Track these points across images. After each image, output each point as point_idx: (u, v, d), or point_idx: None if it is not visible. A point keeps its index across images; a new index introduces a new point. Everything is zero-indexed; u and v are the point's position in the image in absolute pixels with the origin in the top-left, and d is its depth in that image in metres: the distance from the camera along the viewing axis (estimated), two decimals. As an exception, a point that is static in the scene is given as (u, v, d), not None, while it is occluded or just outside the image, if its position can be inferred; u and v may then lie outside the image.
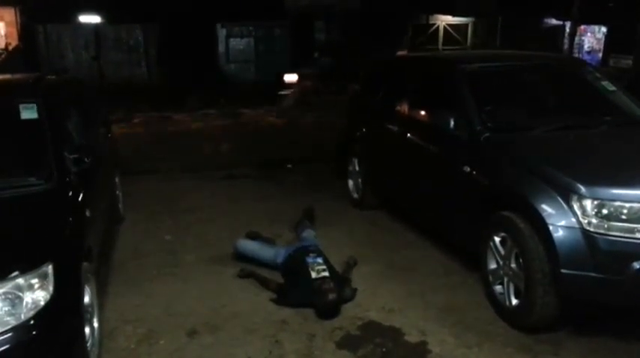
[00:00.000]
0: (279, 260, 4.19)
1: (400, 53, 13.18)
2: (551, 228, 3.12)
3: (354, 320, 3.58)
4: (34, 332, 2.48)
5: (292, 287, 3.90)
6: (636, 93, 4.64)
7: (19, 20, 16.02)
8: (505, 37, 17.76)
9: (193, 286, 4.11)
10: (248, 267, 4.28)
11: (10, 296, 2.48)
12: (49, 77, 4.41)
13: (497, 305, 3.61)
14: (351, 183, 6.00)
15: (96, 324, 3.12)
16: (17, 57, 15.22)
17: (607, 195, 3.05)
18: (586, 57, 19.12)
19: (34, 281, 2.53)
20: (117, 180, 5.48)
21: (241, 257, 4.45)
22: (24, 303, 2.49)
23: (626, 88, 4.83)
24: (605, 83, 4.66)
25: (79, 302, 2.78)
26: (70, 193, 3.27)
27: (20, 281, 2.51)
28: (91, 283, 3.06)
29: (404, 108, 4.98)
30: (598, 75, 4.84)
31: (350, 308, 3.72)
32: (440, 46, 18.74)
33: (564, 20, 16.32)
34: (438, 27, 18.89)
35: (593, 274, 3.02)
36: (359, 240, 4.96)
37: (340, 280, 3.90)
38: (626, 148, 3.79)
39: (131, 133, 9.74)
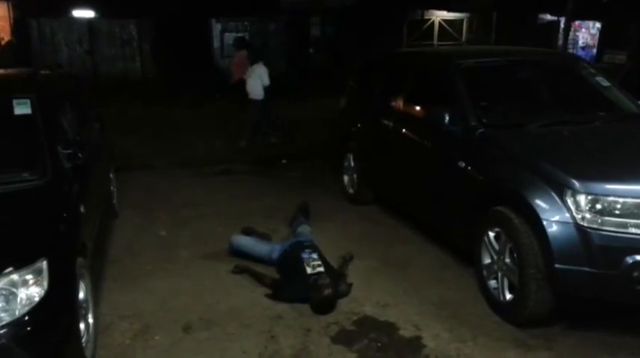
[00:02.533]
0: (275, 255, 4.20)
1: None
2: (545, 223, 3.13)
3: (349, 315, 3.59)
4: (28, 328, 2.47)
5: (287, 282, 3.91)
6: (630, 89, 4.66)
7: (11, 14, 15.88)
8: (500, 32, 17.76)
9: (189, 282, 4.11)
10: (243, 262, 4.29)
11: (4, 293, 2.47)
12: (42, 72, 4.38)
13: (492, 299, 3.63)
14: (346, 178, 6.01)
15: (91, 320, 3.11)
16: (10, 52, 15.11)
17: (601, 190, 3.07)
18: (580, 52, 19.16)
19: (29, 277, 2.53)
20: (112, 175, 5.46)
21: (237, 253, 4.45)
22: (18, 299, 2.48)
23: (620, 83, 4.85)
24: (599, 79, 4.68)
25: (73, 298, 2.78)
26: (64, 189, 3.26)
27: (14, 277, 2.50)
28: (85, 279, 3.05)
29: (399, 103, 4.99)
30: (592, 70, 4.86)
31: (345, 303, 3.74)
32: (435, 42, 18.72)
33: (559, 16, 16.34)
34: (433, 22, 18.87)
35: (586, 269, 3.04)
36: (354, 235, 4.97)
37: (336, 275, 3.91)
38: (620, 144, 3.81)
39: (125, 128, 9.69)
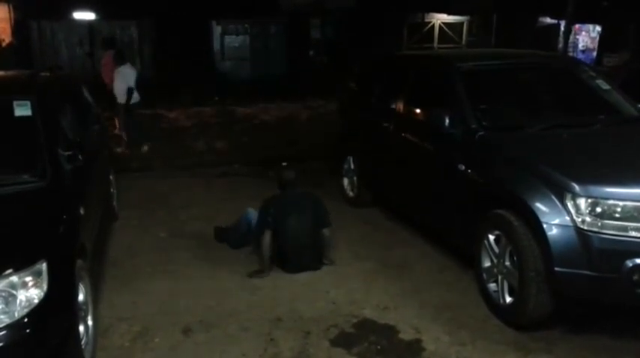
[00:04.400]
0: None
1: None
2: (545, 226, 3.13)
3: (348, 318, 3.59)
4: (27, 331, 2.47)
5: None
6: (630, 92, 4.66)
7: (12, 16, 15.90)
8: (500, 35, 17.78)
9: (188, 284, 4.11)
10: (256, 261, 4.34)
11: (3, 294, 2.47)
12: (43, 74, 4.39)
13: (492, 302, 3.62)
14: (346, 180, 6.00)
15: (90, 322, 3.11)
16: (10, 53, 15.11)
17: (601, 193, 3.06)
18: (580, 56, 19.18)
19: (28, 279, 2.52)
20: (111, 177, 5.46)
21: (246, 224, 4.57)
22: (18, 301, 2.48)
23: (620, 86, 4.86)
24: (599, 82, 4.69)
25: (73, 300, 2.77)
26: (64, 190, 3.25)
27: (14, 279, 2.50)
28: (85, 281, 3.05)
29: (400, 106, 4.99)
30: (592, 73, 4.86)
31: (345, 306, 3.74)
32: (435, 45, 18.75)
33: (559, 19, 16.36)
34: (433, 25, 18.89)
35: (586, 272, 3.04)
36: (354, 237, 4.96)
37: None
38: (620, 147, 3.82)
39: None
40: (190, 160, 7.95)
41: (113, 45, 9.39)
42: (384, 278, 4.16)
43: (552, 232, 3.11)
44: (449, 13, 18.40)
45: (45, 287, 2.55)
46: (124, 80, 8.16)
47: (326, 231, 4.40)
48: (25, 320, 2.47)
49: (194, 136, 9.56)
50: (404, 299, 3.83)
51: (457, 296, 3.85)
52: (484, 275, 3.71)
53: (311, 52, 18.13)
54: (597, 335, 3.34)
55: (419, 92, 4.89)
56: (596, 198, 3.06)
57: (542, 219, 3.15)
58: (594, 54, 18.98)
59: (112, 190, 5.39)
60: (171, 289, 4.02)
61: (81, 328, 2.88)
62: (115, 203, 5.47)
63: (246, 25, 18.02)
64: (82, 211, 3.30)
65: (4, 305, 2.46)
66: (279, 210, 4.31)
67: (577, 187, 3.11)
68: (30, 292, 2.51)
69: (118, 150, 8.26)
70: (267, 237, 4.23)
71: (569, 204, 3.10)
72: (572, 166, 3.35)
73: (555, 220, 3.12)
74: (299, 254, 4.26)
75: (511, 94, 4.70)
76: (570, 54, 16.76)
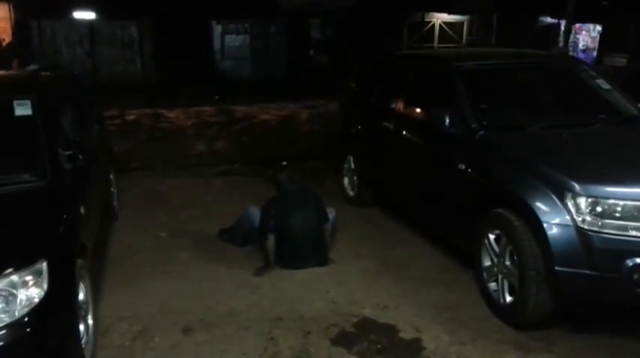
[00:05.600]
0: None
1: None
2: (545, 225, 3.13)
3: (348, 317, 3.59)
4: (28, 330, 2.47)
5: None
6: (631, 92, 4.66)
7: (12, 16, 15.91)
8: (500, 35, 17.79)
9: (188, 283, 4.11)
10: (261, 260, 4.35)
11: (4, 294, 2.47)
12: (43, 73, 4.39)
13: (492, 302, 3.62)
14: (346, 180, 6.00)
15: (90, 321, 3.11)
16: (11, 53, 15.12)
17: (601, 192, 3.06)
18: (581, 55, 19.19)
19: (29, 278, 2.52)
20: (112, 176, 5.46)
21: (246, 220, 4.56)
22: (18, 300, 2.48)
23: (621, 86, 4.86)
24: (599, 81, 4.68)
25: (73, 300, 2.77)
26: (64, 190, 3.25)
27: (14, 278, 2.50)
28: (85, 280, 3.05)
29: (400, 105, 4.99)
30: (593, 73, 4.86)
31: (345, 305, 3.74)
32: (435, 44, 18.77)
33: (559, 18, 16.36)
34: (433, 24, 18.91)
35: (587, 271, 3.04)
36: (354, 237, 4.96)
37: None
38: (621, 146, 3.82)
39: (125, 130, 9.70)
40: (190, 160, 7.96)
41: (18, 52, 9.30)
42: (385, 277, 4.16)
43: (552, 231, 3.11)
44: (449, 13, 18.43)
45: (45, 286, 2.55)
46: None
47: (327, 226, 4.42)
48: (26, 319, 2.47)
49: (194, 136, 9.56)
50: (404, 298, 3.83)
51: (457, 296, 3.85)
52: (484, 275, 3.71)
53: (311, 52, 18.14)
54: (597, 334, 3.34)
55: (419, 92, 4.89)
56: (596, 197, 3.06)
57: (543, 218, 3.15)
58: (595, 53, 19.00)
59: (112, 190, 5.39)
60: (172, 289, 4.02)
61: (81, 327, 2.88)
62: (115, 203, 5.47)
63: (247, 25, 18.02)
64: (82, 211, 3.30)
65: (4, 305, 2.46)
66: (280, 209, 4.31)
67: (577, 186, 3.11)
68: (30, 291, 2.51)
69: None
70: (270, 241, 4.22)
71: (570, 204, 3.10)
72: (573, 166, 3.35)
73: (555, 219, 3.12)
74: (305, 252, 4.26)
75: (511, 94, 4.70)
76: (571, 53, 16.76)
